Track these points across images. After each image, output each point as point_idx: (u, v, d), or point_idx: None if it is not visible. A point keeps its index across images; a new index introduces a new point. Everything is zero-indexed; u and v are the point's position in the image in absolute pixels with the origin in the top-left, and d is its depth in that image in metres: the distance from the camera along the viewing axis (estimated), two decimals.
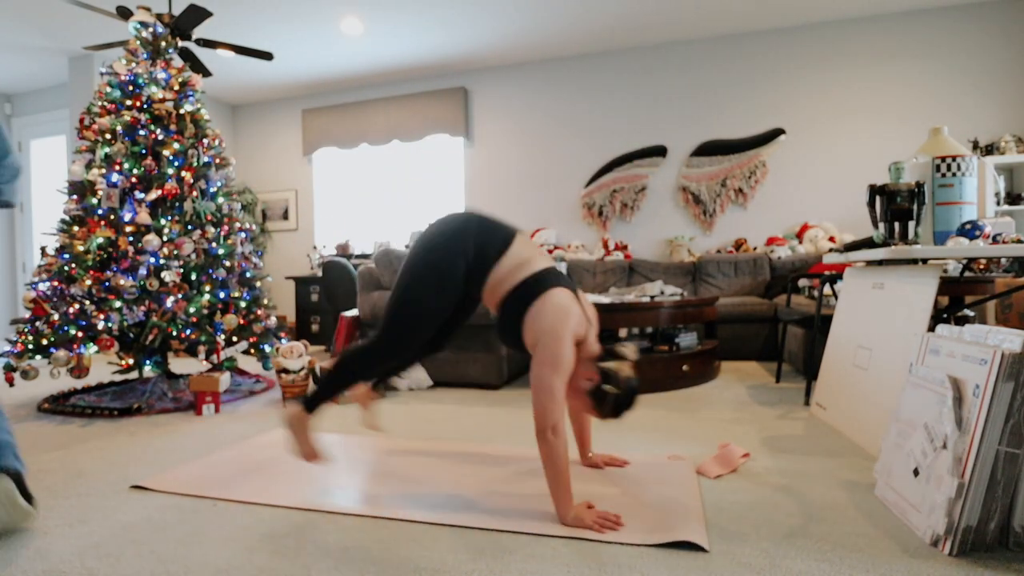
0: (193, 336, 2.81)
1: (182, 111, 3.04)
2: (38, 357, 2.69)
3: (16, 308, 5.80)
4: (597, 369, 1.45)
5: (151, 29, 3.09)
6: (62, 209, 2.90)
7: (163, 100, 2.97)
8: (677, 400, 2.73)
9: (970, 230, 1.93)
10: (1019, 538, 1.18)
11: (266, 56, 3.68)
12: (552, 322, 1.41)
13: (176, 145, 2.94)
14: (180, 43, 3.30)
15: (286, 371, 2.86)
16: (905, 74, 4.64)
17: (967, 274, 2.58)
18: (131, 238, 2.77)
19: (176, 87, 3.06)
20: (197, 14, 3.19)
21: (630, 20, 4.67)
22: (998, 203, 4.31)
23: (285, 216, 6.31)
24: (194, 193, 2.96)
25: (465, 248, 1.52)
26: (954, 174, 2.03)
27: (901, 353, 1.82)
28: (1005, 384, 1.17)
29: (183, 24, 3.23)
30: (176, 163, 2.95)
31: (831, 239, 4.62)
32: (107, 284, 2.69)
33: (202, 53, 5.07)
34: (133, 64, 3.00)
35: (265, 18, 4.48)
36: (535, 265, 1.52)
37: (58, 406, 2.74)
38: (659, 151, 5.16)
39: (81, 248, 2.74)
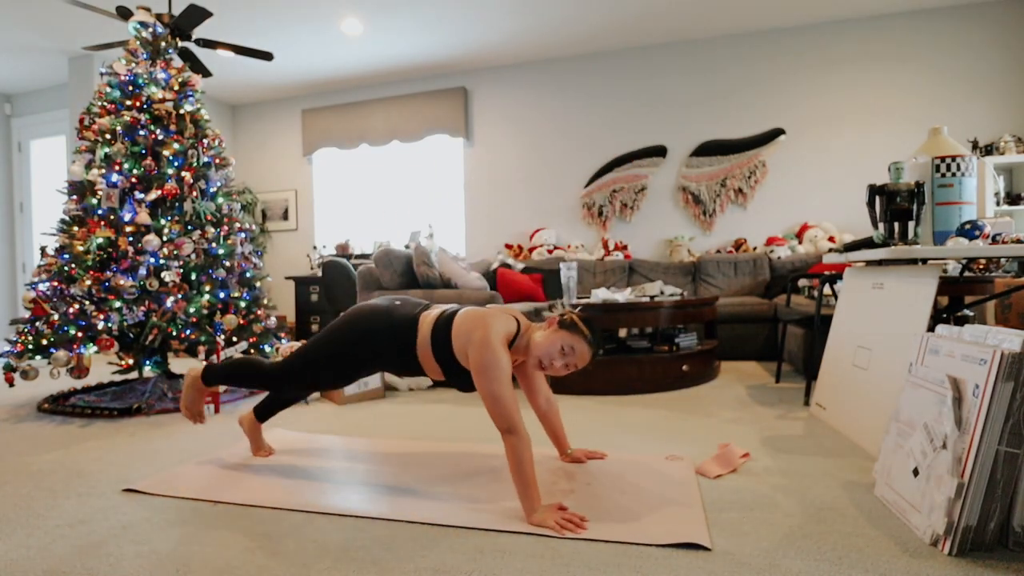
0: (193, 336, 2.81)
1: (182, 111, 3.04)
2: (38, 357, 2.69)
3: (16, 308, 5.79)
4: (560, 325, 1.52)
5: (151, 29, 3.08)
6: (62, 209, 2.90)
7: (163, 100, 2.97)
8: (677, 400, 2.73)
9: (970, 230, 1.93)
10: (1019, 538, 1.18)
11: (266, 56, 3.68)
12: (473, 333, 1.48)
13: (176, 145, 2.94)
14: (180, 43, 3.29)
15: None
16: (905, 74, 4.65)
17: (967, 274, 2.58)
18: (131, 238, 2.77)
19: (176, 87, 3.06)
20: (197, 14, 3.19)
21: (630, 20, 4.67)
22: (998, 203, 4.31)
23: (285, 216, 6.31)
24: (194, 193, 2.96)
25: (377, 336, 1.63)
26: (953, 174, 2.03)
27: (901, 353, 1.82)
28: (1005, 384, 1.17)
29: (183, 24, 3.23)
30: (176, 163, 2.94)
31: (831, 239, 4.63)
32: (107, 284, 2.69)
33: (202, 53, 5.06)
34: (133, 64, 3.00)
35: (265, 18, 4.48)
36: (435, 314, 1.63)
37: (58, 406, 2.74)
38: (659, 151, 5.16)
39: (81, 248, 2.74)
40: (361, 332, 1.64)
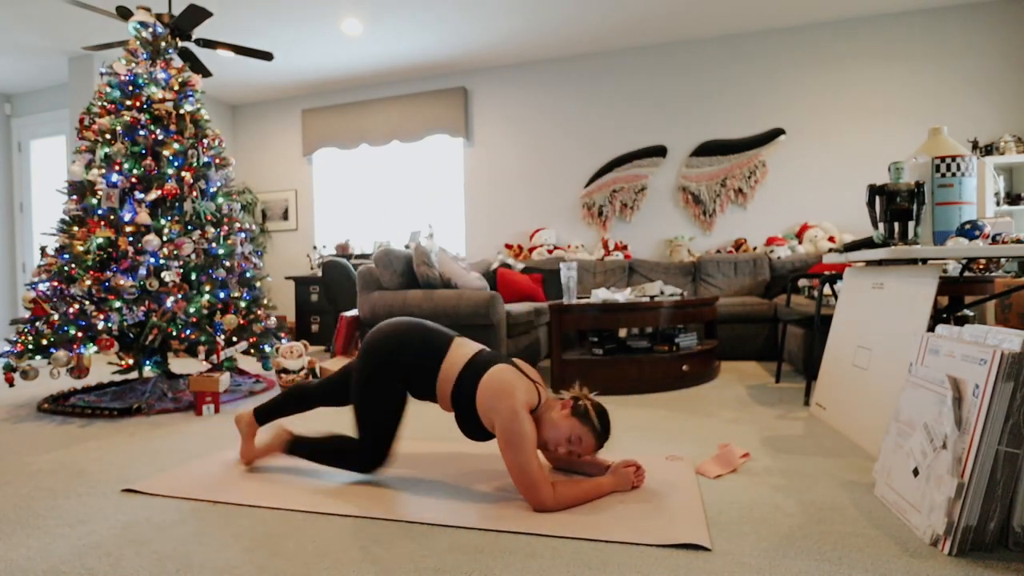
0: (193, 336, 2.81)
1: (182, 111, 3.04)
2: (38, 357, 2.69)
3: (16, 308, 5.79)
4: (572, 412, 1.51)
5: (151, 29, 3.08)
6: (62, 209, 2.90)
7: (163, 100, 2.97)
8: (677, 400, 2.73)
9: (970, 230, 1.93)
10: (1019, 538, 1.18)
11: (266, 56, 3.68)
12: (499, 403, 1.45)
13: (176, 145, 2.94)
14: (180, 43, 3.30)
15: (286, 371, 2.86)
16: (905, 74, 4.65)
17: (967, 274, 2.59)
18: (131, 238, 2.77)
19: (176, 87, 3.06)
20: (197, 14, 3.19)
21: (630, 20, 4.68)
22: (998, 203, 4.31)
23: (285, 216, 6.31)
24: (194, 193, 2.96)
25: (402, 363, 1.59)
26: (953, 174, 2.03)
27: (901, 353, 1.82)
28: (1005, 384, 1.17)
29: (183, 24, 3.23)
30: (176, 163, 2.94)
31: (831, 239, 4.63)
32: (107, 284, 2.69)
33: (202, 53, 5.07)
34: (133, 64, 3.00)
35: (265, 18, 4.48)
36: (469, 352, 1.60)
37: (58, 406, 2.73)
38: (659, 151, 5.17)
39: (81, 248, 2.74)
40: (395, 345, 1.59)
